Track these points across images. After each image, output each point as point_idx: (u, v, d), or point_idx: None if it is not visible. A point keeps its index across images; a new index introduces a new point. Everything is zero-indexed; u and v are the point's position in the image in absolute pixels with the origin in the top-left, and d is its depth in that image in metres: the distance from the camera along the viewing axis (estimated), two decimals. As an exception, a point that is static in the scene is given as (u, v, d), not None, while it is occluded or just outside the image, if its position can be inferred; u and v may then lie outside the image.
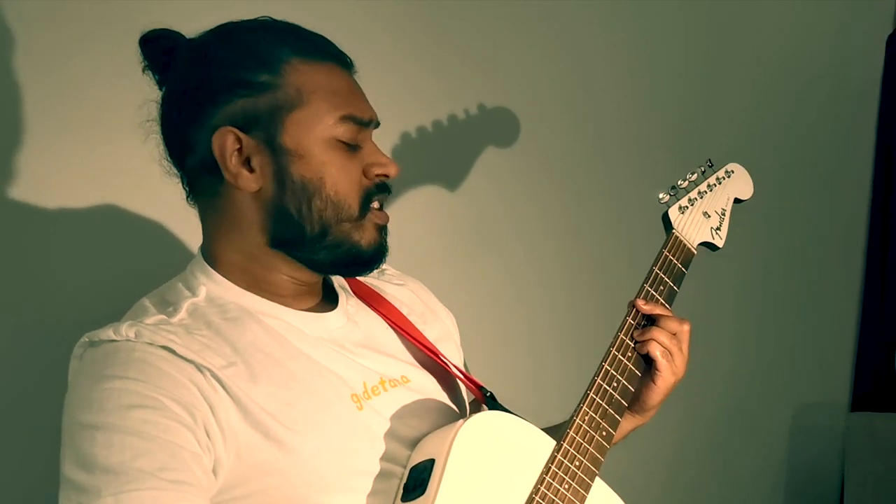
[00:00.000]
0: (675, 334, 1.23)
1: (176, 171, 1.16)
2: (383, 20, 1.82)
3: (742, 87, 2.40)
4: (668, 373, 1.23)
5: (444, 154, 1.89)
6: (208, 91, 1.09)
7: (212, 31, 1.14)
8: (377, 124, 1.17)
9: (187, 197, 1.17)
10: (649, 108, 2.24)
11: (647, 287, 1.27)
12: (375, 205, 1.15)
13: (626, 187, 2.17)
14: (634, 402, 1.24)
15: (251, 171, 1.09)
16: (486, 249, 2.00)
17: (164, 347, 1.02)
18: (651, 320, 1.25)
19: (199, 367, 1.02)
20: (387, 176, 1.15)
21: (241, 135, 1.08)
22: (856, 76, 2.65)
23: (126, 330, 1.03)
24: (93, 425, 0.97)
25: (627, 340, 1.23)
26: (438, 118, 1.83)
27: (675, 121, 2.27)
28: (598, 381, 1.19)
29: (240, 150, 1.08)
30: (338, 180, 1.10)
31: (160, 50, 1.15)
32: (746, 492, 2.55)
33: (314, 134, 1.09)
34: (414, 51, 1.87)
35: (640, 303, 1.25)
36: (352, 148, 1.11)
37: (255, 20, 1.14)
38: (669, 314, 1.26)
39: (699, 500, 2.39)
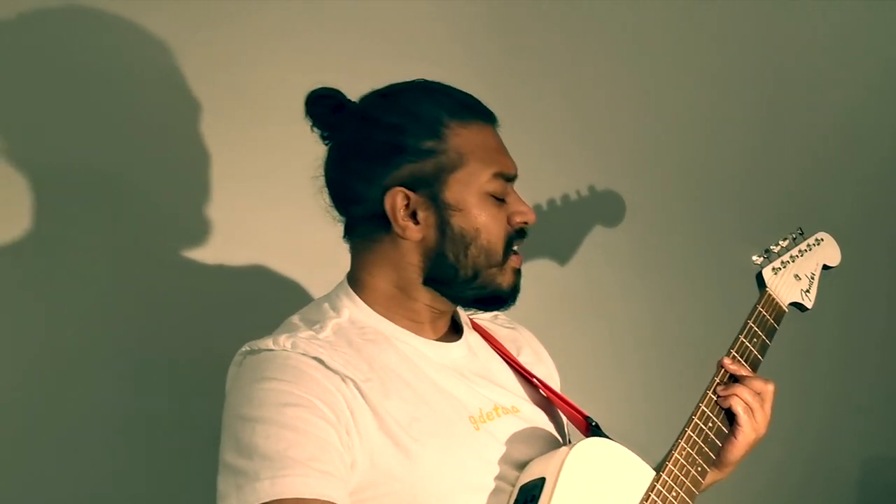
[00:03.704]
0: (759, 393, 1.30)
1: (339, 215, 1.29)
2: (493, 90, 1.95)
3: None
4: (749, 428, 1.29)
5: (555, 227, 2.00)
6: (377, 154, 1.22)
7: (375, 93, 1.27)
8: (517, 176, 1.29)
9: (344, 235, 1.30)
10: (724, 170, 2.30)
11: (741, 338, 1.35)
12: (515, 248, 1.26)
13: (721, 253, 2.23)
14: (717, 456, 1.29)
15: (416, 223, 1.22)
16: (593, 314, 2.09)
17: (315, 358, 1.14)
18: (737, 380, 1.32)
19: (343, 378, 1.14)
20: (527, 223, 1.27)
21: (410, 193, 1.21)
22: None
23: (284, 341, 1.15)
24: (252, 418, 1.09)
25: (713, 396, 1.30)
26: (552, 196, 1.96)
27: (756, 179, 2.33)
28: (689, 431, 1.26)
29: (407, 205, 1.22)
30: (490, 231, 1.22)
31: (328, 109, 1.26)
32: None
33: (471, 190, 1.21)
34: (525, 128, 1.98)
35: (727, 361, 1.32)
36: (500, 200, 1.24)
37: (413, 82, 1.27)
38: (753, 375, 1.32)
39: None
